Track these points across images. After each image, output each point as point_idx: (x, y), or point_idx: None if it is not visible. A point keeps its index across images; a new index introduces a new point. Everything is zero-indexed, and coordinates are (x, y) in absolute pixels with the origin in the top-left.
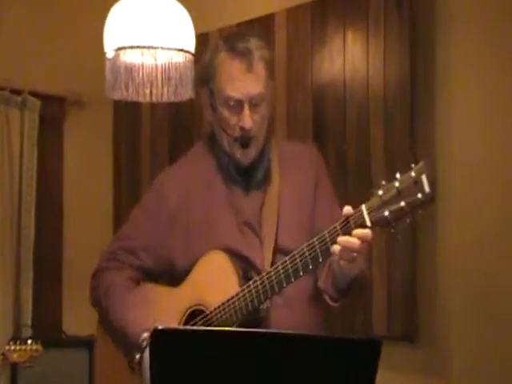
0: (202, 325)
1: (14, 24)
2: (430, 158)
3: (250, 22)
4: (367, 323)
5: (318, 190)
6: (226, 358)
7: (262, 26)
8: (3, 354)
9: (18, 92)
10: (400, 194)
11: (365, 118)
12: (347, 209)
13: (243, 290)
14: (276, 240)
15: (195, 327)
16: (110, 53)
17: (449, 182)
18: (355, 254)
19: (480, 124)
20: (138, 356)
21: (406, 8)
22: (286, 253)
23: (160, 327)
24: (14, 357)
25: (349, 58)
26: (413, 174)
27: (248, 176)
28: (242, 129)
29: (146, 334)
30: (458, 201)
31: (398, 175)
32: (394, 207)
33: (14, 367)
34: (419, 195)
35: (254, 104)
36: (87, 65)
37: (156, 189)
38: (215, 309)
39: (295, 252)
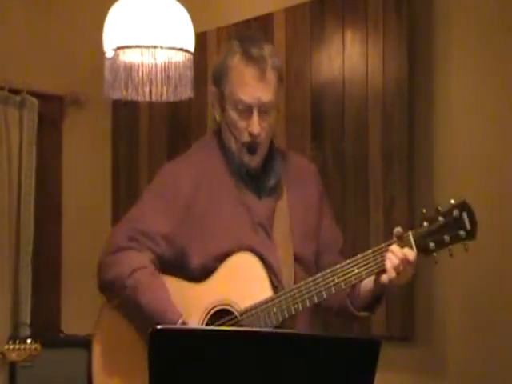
0: (231, 326)
1: (13, 24)
2: (430, 159)
3: (249, 21)
4: (366, 323)
5: (323, 206)
6: (226, 358)
7: (261, 25)
8: (2, 353)
9: (16, 92)
10: (443, 228)
11: (363, 117)
12: (398, 230)
13: (279, 296)
14: (294, 247)
15: (195, 327)
16: (109, 52)
17: (447, 181)
18: (402, 267)
19: (479, 123)
20: None
21: (404, 7)
22: (299, 260)
23: (160, 327)
24: (13, 356)
25: (347, 58)
26: (456, 211)
27: (259, 180)
28: (251, 134)
29: (180, 319)
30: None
31: (439, 208)
32: (437, 239)
33: (13, 366)
34: (461, 232)
35: (263, 111)
36: (86, 64)
37: (170, 177)
38: (246, 311)
39: (338, 266)
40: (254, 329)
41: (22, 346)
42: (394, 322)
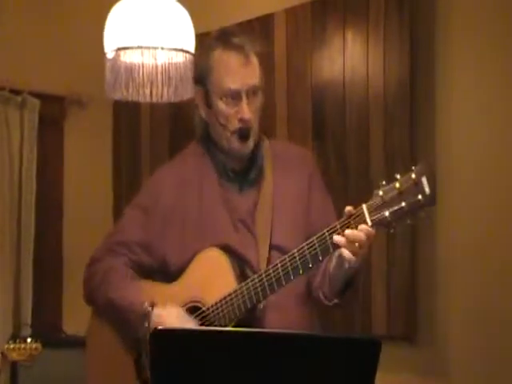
0: (199, 321)
1: (14, 24)
2: (430, 159)
3: (250, 21)
4: (367, 323)
5: (312, 190)
6: (225, 358)
7: (262, 25)
8: (3, 353)
9: (17, 92)
10: (400, 195)
11: (364, 117)
12: (349, 209)
13: (241, 288)
14: (271, 238)
15: (195, 327)
16: (110, 53)
17: (448, 182)
18: (358, 248)
19: (480, 124)
20: (146, 324)
21: (406, 8)
22: (280, 250)
23: (159, 327)
24: (14, 355)
25: (348, 58)
26: (413, 175)
27: (243, 174)
28: (242, 120)
29: (147, 303)
30: (458, 201)
31: (398, 176)
32: (395, 208)
33: (14, 366)
34: (419, 196)
35: (251, 95)
36: (87, 65)
37: (150, 187)
38: (212, 306)
39: (295, 250)
40: (254, 329)
41: (23, 346)
42: (396, 322)
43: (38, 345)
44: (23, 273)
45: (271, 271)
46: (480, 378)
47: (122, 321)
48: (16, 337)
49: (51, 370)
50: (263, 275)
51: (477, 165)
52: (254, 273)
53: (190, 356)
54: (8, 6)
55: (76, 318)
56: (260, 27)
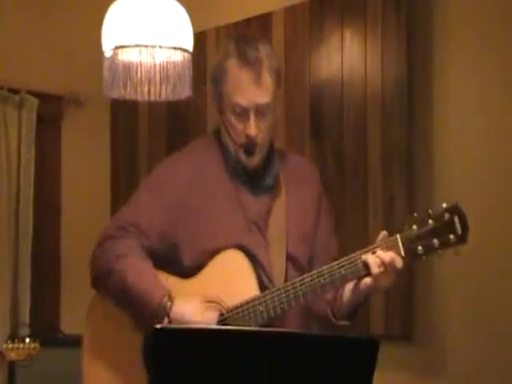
0: (218, 323)
1: (12, 23)
2: (428, 159)
3: (248, 20)
4: (365, 322)
5: (321, 208)
6: (225, 358)
7: (260, 24)
8: (1, 353)
9: (15, 91)
10: (433, 232)
11: (362, 116)
12: (384, 234)
13: (265, 296)
14: (287, 247)
15: (195, 326)
16: (108, 51)
17: (446, 181)
18: (383, 270)
19: (478, 123)
20: (166, 320)
21: (403, 7)
22: (293, 260)
23: (160, 326)
24: (12, 355)
25: (346, 57)
26: (447, 215)
27: (257, 178)
28: (248, 136)
29: (166, 299)
30: (456, 200)
31: (430, 211)
32: (427, 244)
33: (12, 366)
34: (451, 236)
35: (260, 113)
36: (85, 63)
37: (166, 173)
38: (232, 309)
39: (325, 267)
40: (254, 328)
41: (21, 346)
42: (394, 322)
43: (36, 344)
44: (21, 272)
45: (298, 284)
46: (478, 377)
47: (138, 310)
48: (14, 336)
49: (49, 370)
50: (289, 287)
51: (474, 164)
52: (268, 278)
53: (190, 355)
54: (6, 5)
55: (74, 318)
56: (258, 26)
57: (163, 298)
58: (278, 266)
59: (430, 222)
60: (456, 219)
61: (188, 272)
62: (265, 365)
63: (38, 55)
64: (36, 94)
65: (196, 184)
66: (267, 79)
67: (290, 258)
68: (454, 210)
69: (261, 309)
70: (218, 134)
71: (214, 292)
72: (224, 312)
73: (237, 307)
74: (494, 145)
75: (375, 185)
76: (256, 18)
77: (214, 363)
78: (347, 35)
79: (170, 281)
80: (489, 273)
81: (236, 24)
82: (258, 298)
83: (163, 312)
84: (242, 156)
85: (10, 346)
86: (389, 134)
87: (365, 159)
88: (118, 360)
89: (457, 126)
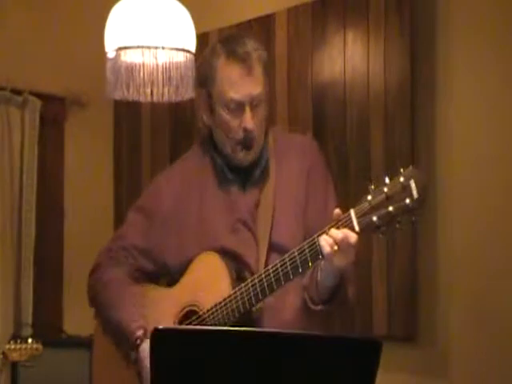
0: (196, 325)
1: (15, 24)
2: (429, 160)
3: (250, 21)
4: (367, 323)
5: (311, 183)
6: (225, 358)
7: (263, 25)
8: (3, 353)
9: (18, 92)
10: (388, 199)
11: (365, 117)
12: (337, 212)
13: (235, 292)
14: (270, 238)
15: (195, 327)
16: (110, 52)
17: (449, 182)
18: (336, 247)
19: (480, 124)
20: (133, 354)
21: (406, 8)
22: (281, 250)
23: (160, 327)
24: (15, 356)
25: (349, 58)
26: (401, 179)
27: (245, 174)
28: (245, 130)
29: (139, 332)
30: (459, 201)
31: (387, 180)
32: (382, 212)
33: (15, 366)
34: (407, 200)
35: (254, 105)
36: (88, 65)
37: (152, 191)
38: (208, 310)
39: (286, 256)
40: (255, 329)
41: (24, 346)
42: (397, 322)
43: (38, 345)
44: (24, 273)
45: (263, 276)
46: (480, 378)
47: (118, 341)
48: (17, 337)
49: (52, 370)
50: (256, 280)
51: (477, 165)
52: (253, 275)
53: (190, 355)
54: (9, 6)
55: (76, 318)
56: (261, 27)
57: (136, 331)
58: (263, 259)
59: (385, 189)
60: (412, 183)
61: (175, 281)
62: (265, 365)
63: (40, 56)
64: (39, 95)
65: (183, 196)
66: (258, 70)
67: (277, 247)
68: (409, 173)
69: (232, 306)
70: (205, 141)
71: (192, 297)
72: (201, 314)
73: (211, 308)
74: (496, 146)
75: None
76: (258, 19)
77: (214, 363)
78: (350, 36)
79: (156, 291)
80: (491, 274)
81: (239, 25)
82: (229, 296)
83: (133, 346)
84: (240, 152)
85: (13, 346)
86: (391, 135)
87: (367, 160)
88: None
89: (460, 127)
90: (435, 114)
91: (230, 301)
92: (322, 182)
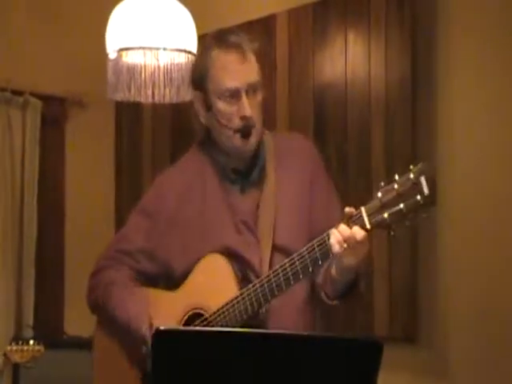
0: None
1: (16, 25)
2: (429, 160)
3: (252, 23)
4: (368, 324)
5: (314, 185)
6: (226, 358)
7: (264, 26)
8: (5, 355)
9: (19, 93)
10: (399, 197)
11: (366, 118)
12: (348, 210)
13: (242, 294)
14: (273, 239)
15: (196, 327)
16: (112, 53)
17: (450, 182)
18: (345, 245)
19: (481, 124)
20: (144, 348)
21: (407, 9)
22: (284, 251)
23: (161, 327)
24: (16, 357)
25: (350, 59)
26: (411, 175)
27: (245, 175)
28: (243, 117)
29: (149, 326)
30: (459, 201)
31: (396, 177)
32: (394, 210)
33: (16, 367)
34: (418, 197)
35: (251, 92)
36: (89, 65)
37: (154, 192)
38: (214, 312)
39: (295, 255)
40: (255, 330)
41: (25, 348)
42: (397, 323)
43: (40, 347)
44: (25, 274)
45: (272, 276)
46: (481, 378)
47: (125, 340)
48: (18, 338)
49: (53, 372)
50: (264, 280)
51: (478, 165)
52: (257, 276)
53: (191, 356)
54: (10, 8)
55: (78, 320)
56: (262, 28)
57: (142, 326)
58: (267, 260)
59: (396, 186)
60: (422, 179)
61: (177, 283)
62: (266, 366)
63: (41, 57)
64: (40, 96)
65: (185, 197)
66: (252, 58)
67: (281, 249)
68: (420, 170)
69: (240, 308)
70: (204, 142)
71: (198, 299)
72: (207, 317)
73: (218, 310)
74: (497, 146)
75: (377, 188)
76: (260, 20)
77: (215, 364)
78: (351, 37)
79: (157, 294)
80: (492, 275)
81: (240, 26)
82: (236, 298)
83: (143, 342)
84: (239, 141)
85: (14, 348)
86: (392, 136)
87: (368, 160)
88: (124, 369)
89: (460, 127)
90: (436, 113)
91: (238, 302)
92: (326, 184)
